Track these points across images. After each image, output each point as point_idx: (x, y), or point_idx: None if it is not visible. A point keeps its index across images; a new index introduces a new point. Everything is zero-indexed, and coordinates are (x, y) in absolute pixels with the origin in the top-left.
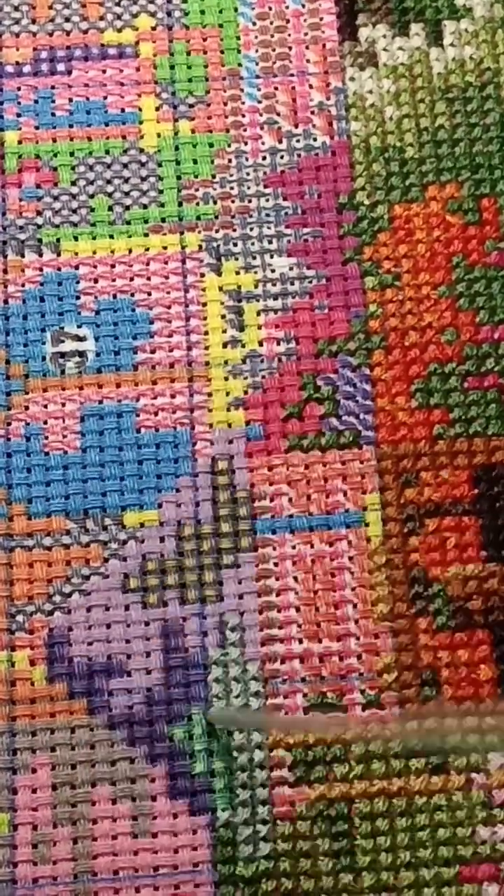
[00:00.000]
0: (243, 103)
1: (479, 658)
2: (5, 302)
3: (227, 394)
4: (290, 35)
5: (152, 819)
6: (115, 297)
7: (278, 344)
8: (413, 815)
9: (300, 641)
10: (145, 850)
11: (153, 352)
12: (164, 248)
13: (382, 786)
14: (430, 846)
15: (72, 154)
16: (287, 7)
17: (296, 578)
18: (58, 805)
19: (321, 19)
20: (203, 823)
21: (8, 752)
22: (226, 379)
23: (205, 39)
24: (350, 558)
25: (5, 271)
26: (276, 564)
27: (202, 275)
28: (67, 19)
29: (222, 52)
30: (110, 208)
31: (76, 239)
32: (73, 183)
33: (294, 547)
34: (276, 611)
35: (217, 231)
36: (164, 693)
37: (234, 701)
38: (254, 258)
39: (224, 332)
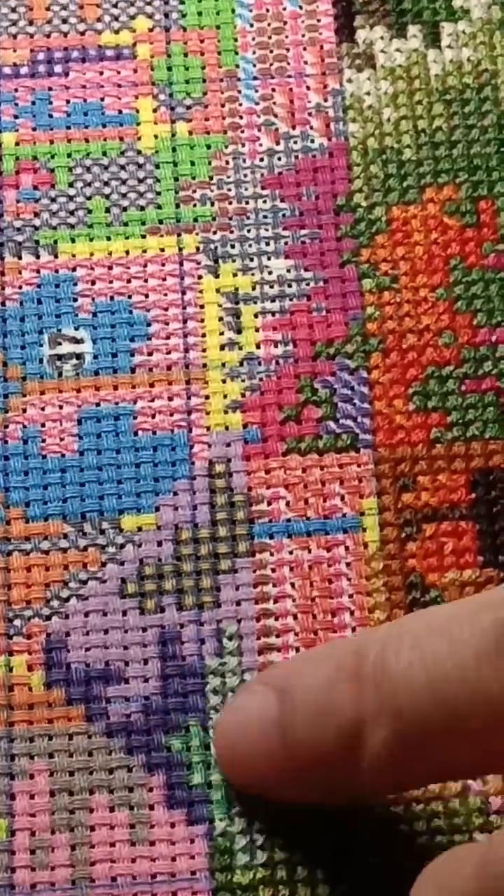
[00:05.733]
0: (241, 105)
1: None
2: (2, 304)
3: (225, 396)
4: (287, 36)
5: (150, 827)
6: (112, 299)
7: (276, 346)
8: (410, 822)
9: (297, 650)
10: (143, 858)
11: (150, 354)
12: (162, 249)
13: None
14: (428, 857)
15: (69, 156)
16: (284, 9)
17: (293, 585)
18: (56, 811)
19: (319, 21)
20: (201, 833)
21: (6, 757)
22: (223, 381)
23: (202, 41)
24: (347, 564)
25: (2, 273)
26: (273, 570)
27: (200, 277)
28: (65, 21)
29: (220, 53)
30: (107, 210)
31: (73, 241)
32: (71, 185)
33: (291, 552)
34: (273, 618)
35: (214, 233)
36: (161, 702)
37: None
38: (251, 260)
39: (221, 334)
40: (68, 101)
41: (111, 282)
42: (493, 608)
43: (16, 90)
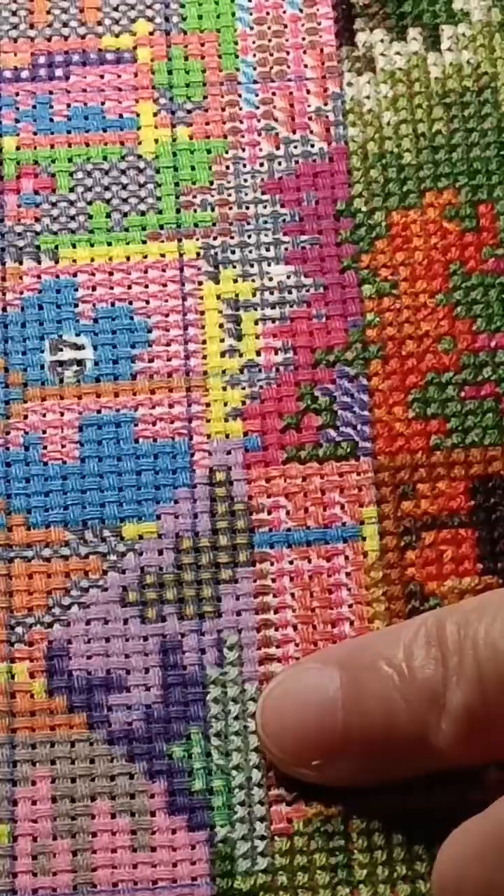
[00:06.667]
0: (241, 109)
1: None
2: (4, 310)
3: (225, 404)
4: (287, 40)
5: (151, 834)
6: (113, 305)
7: (276, 353)
8: (410, 829)
9: (297, 661)
10: (144, 864)
11: (151, 361)
12: (162, 255)
13: (379, 802)
14: (426, 860)
15: (70, 160)
16: (284, 12)
17: (293, 595)
18: (58, 817)
19: (319, 24)
20: (202, 839)
21: (8, 763)
22: (224, 389)
23: (202, 44)
24: (347, 574)
25: (4, 279)
26: (273, 580)
27: (200, 283)
28: (65, 24)
29: (220, 56)
30: (108, 215)
31: (74, 246)
32: (72, 189)
33: (292, 562)
34: (273, 629)
35: (215, 238)
36: (162, 711)
37: (233, 723)
38: (251, 266)
39: (222, 341)
40: (69, 105)
41: (112, 288)
42: None
43: (16, 94)
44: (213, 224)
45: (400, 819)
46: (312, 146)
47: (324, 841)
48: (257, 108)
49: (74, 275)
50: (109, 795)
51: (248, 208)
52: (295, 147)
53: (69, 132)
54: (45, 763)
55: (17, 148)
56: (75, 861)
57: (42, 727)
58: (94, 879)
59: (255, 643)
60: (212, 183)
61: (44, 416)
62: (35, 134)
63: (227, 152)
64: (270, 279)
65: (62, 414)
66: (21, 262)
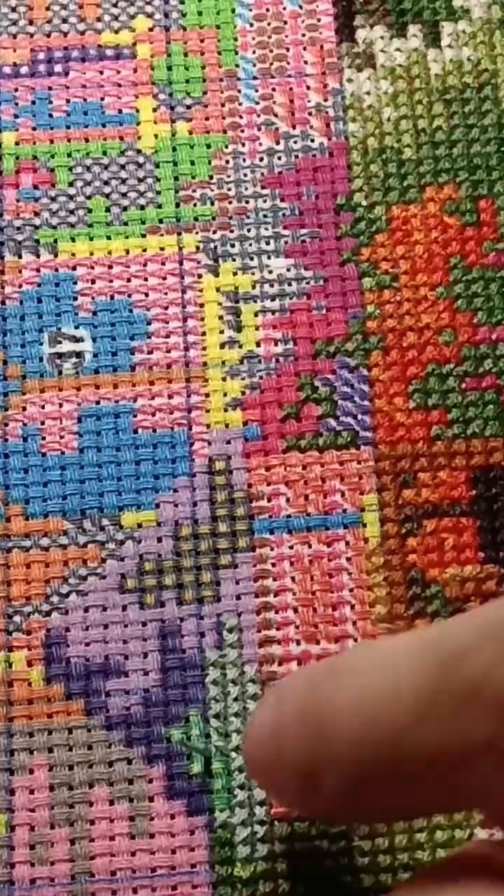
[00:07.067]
0: (241, 104)
1: None
2: (3, 303)
3: (225, 394)
4: (287, 36)
5: (150, 820)
6: (112, 298)
7: (276, 345)
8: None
9: (298, 643)
10: (143, 851)
11: (150, 352)
12: (162, 249)
13: None
14: (427, 848)
15: (69, 155)
16: (284, 8)
17: (293, 579)
18: (55, 806)
19: (319, 20)
20: (201, 824)
21: (5, 752)
22: (223, 379)
23: (202, 40)
24: (348, 559)
25: (3, 272)
26: (273, 565)
27: (200, 276)
28: (65, 20)
29: (220, 52)
30: (107, 209)
31: (73, 240)
32: (71, 184)
33: (292, 547)
34: (273, 612)
35: (215, 232)
36: (161, 694)
37: (232, 704)
38: (251, 259)
39: (221, 332)
40: (68, 101)
41: (111, 281)
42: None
43: (16, 90)
44: (213, 218)
45: None
46: (312, 141)
47: (325, 827)
48: (257, 103)
49: (73, 268)
50: (108, 782)
51: (247, 202)
52: (295, 142)
53: (68, 127)
54: (43, 751)
55: (17, 143)
56: (73, 850)
57: (39, 715)
58: (93, 868)
59: (254, 626)
60: (211, 177)
61: (42, 407)
62: (34, 129)
63: (226, 147)
64: (270, 272)
65: (61, 405)
66: (20, 256)
